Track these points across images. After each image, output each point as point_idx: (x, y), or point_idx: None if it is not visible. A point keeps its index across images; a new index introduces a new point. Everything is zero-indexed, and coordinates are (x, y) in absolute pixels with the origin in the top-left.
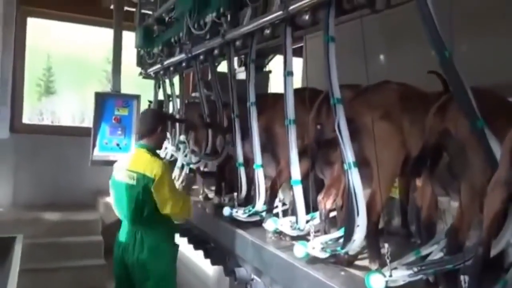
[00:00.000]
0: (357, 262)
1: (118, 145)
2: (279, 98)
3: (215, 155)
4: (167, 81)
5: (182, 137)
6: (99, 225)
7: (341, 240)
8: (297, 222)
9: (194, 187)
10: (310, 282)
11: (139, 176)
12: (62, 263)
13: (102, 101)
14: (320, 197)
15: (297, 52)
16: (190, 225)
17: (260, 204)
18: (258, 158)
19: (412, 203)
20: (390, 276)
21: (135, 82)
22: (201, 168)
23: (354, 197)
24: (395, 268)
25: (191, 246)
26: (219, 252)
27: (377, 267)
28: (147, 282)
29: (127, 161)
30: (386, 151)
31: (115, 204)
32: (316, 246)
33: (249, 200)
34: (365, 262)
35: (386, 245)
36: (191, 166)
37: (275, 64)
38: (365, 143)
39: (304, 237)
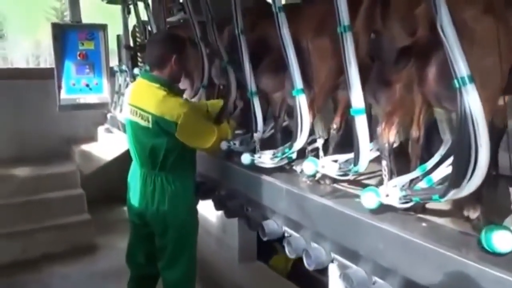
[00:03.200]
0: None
1: (87, 85)
2: (305, 6)
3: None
4: (140, 3)
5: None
6: (77, 176)
7: (422, 183)
8: (356, 163)
9: None
10: (382, 238)
11: (156, 119)
12: (40, 223)
13: (61, 35)
14: (380, 128)
15: None
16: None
17: (302, 141)
18: (298, 81)
19: None
20: None
21: (97, 13)
22: None
23: (471, 125)
24: None
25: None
26: (235, 202)
27: (477, 215)
28: (169, 231)
29: (129, 93)
30: (491, 58)
31: (128, 143)
32: (391, 194)
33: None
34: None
35: None
36: None
37: None
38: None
39: (348, 181)
